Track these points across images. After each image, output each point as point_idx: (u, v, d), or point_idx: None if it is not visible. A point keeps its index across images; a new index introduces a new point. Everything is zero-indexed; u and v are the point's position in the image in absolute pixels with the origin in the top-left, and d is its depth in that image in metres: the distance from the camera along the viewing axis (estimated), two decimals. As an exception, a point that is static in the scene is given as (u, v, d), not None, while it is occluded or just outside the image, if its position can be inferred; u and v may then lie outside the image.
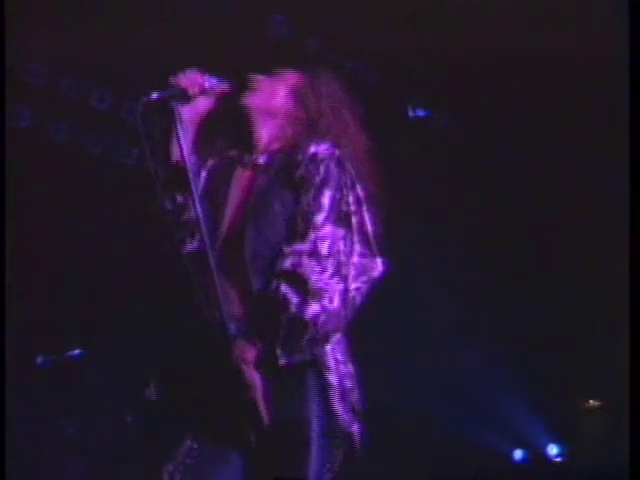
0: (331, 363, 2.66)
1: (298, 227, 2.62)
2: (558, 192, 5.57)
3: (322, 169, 2.64)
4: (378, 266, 2.69)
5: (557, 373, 5.65)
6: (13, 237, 4.53)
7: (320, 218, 2.61)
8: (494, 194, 5.62)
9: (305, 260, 2.59)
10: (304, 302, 2.58)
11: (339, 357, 2.70)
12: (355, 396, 2.73)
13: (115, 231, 5.06)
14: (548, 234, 5.62)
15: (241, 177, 2.75)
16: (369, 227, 2.68)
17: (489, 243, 5.62)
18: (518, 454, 5.79)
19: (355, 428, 2.71)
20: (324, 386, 2.66)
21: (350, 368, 2.73)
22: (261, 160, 2.73)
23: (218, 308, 2.60)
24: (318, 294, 2.58)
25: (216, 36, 4.91)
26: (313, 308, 2.58)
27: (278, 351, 2.59)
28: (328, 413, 2.66)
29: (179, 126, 2.64)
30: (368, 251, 2.68)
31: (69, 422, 4.66)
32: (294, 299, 2.58)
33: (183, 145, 2.64)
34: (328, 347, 2.65)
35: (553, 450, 5.76)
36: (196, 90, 2.69)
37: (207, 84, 2.71)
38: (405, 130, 5.48)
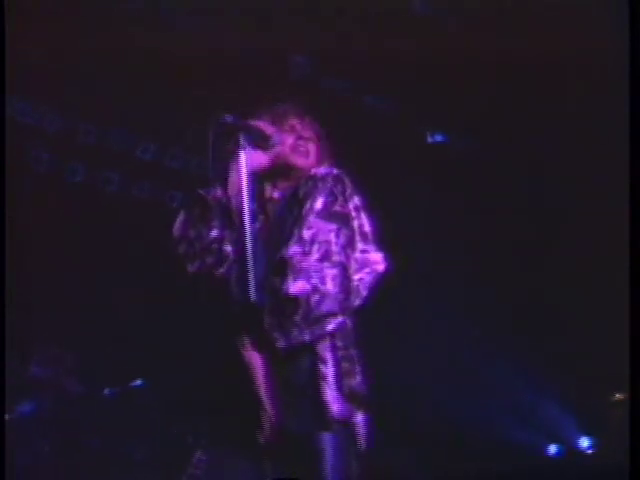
0: (327, 354, 2.87)
1: (294, 231, 2.92)
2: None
3: (320, 184, 2.99)
4: (381, 260, 3.02)
5: (587, 369, 5.85)
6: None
7: (310, 217, 2.93)
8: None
9: (290, 247, 2.89)
10: (288, 280, 2.85)
11: (339, 343, 2.90)
12: (355, 381, 2.91)
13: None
14: (565, 227, 5.79)
15: (260, 211, 3.05)
16: (368, 228, 3.01)
17: (501, 239, 5.81)
18: (552, 449, 6.05)
19: (358, 418, 2.87)
20: (319, 378, 2.85)
21: (352, 352, 2.93)
22: (275, 195, 3.07)
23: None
24: (303, 273, 2.85)
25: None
26: (298, 285, 2.85)
27: (276, 334, 2.85)
28: (325, 406, 2.82)
29: (243, 159, 2.88)
30: (369, 247, 3.00)
31: (136, 447, 5.02)
32: (282, 281, 2.86)
33: (244, 178, 2.88)
34: (327, 333, 2.85)
35: (585, 443, 6.02)
36: (267, 139, 2.97)
37: (276, 138, 3.00)
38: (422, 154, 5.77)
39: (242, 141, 2.91)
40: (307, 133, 3.11)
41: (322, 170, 3.05)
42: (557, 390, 5.99)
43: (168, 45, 5.03)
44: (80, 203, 5.42)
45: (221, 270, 2.95)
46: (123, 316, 5.25)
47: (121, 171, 5.60)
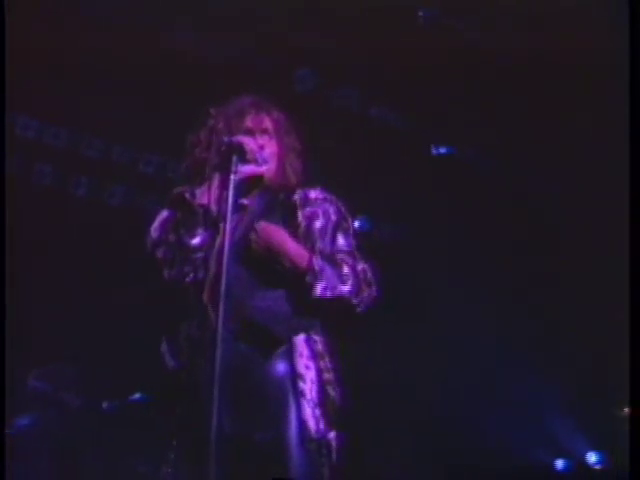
0: (302, 369, 2.86)
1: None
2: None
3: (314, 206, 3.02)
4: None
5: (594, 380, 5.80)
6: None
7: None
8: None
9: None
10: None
11: (315, 359, 2.88)
12: (333, 396, 2.89)
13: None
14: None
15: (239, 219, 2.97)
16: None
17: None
18: (560, 464, 5.96)
19: (331, 435, 2.85)
20: (296, 393, 2.83)
21: (328, 365, 2.91)
22: (246, 202, 3.00)
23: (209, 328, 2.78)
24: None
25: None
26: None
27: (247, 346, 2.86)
28: (301, 422, 2.80)
29: (232, 176, 2.79)
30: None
31: (139, 459, 4.98)
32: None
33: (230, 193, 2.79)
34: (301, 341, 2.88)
35: (592, 458, 5.91)
36: (249, 155, 2.90)
37: (259, 155, 2.95)
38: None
39: (232, 154, 2.83)
40: (264, 135, 3.03)
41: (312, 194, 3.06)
42: (565, 403, 5.92)
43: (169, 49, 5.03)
44: (81, 215, 5.38)
45: (197, 278, 2.89)
46: (122, 329, 5.22)
47: (124, 183, 5.58)
